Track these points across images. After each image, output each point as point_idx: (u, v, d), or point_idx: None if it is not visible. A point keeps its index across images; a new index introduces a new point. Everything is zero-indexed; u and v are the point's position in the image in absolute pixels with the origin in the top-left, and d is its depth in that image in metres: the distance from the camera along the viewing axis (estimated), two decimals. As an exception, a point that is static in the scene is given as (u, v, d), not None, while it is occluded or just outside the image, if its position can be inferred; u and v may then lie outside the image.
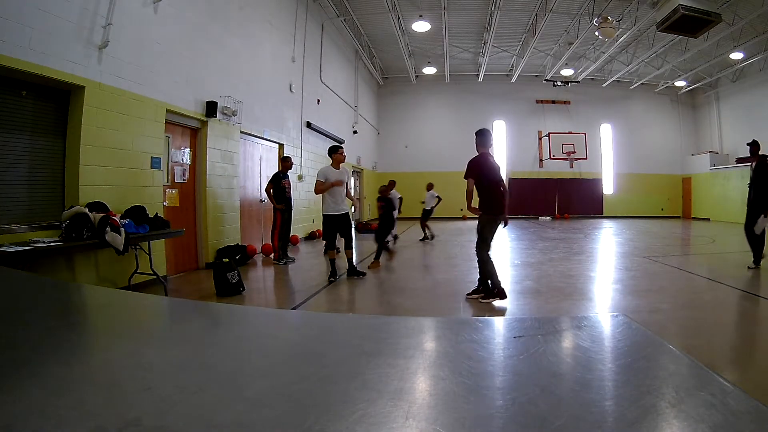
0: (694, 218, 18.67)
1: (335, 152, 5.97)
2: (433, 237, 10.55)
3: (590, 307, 4.55)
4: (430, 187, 10.90)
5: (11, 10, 3.74)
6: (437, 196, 10.60)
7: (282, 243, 7.32)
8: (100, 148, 4.71)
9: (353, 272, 5.90)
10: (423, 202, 10.71)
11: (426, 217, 10.63)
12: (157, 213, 5.19)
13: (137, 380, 0.66)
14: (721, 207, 16.92)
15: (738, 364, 2.93)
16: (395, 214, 8.08)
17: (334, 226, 5.87)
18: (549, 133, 19.27)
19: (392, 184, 8.69)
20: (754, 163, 6.41)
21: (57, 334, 0.87)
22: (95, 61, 4.62)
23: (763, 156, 6.31)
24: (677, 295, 4.83)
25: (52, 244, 3.70)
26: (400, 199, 9.58)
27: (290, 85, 10.04)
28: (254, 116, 8.17)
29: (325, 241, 6.07)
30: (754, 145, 6.53)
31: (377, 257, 6.90)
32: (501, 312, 4.25)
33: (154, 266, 4.89)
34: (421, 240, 10.41)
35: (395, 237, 9.68)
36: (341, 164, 6.02)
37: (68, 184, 4.51)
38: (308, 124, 10.96)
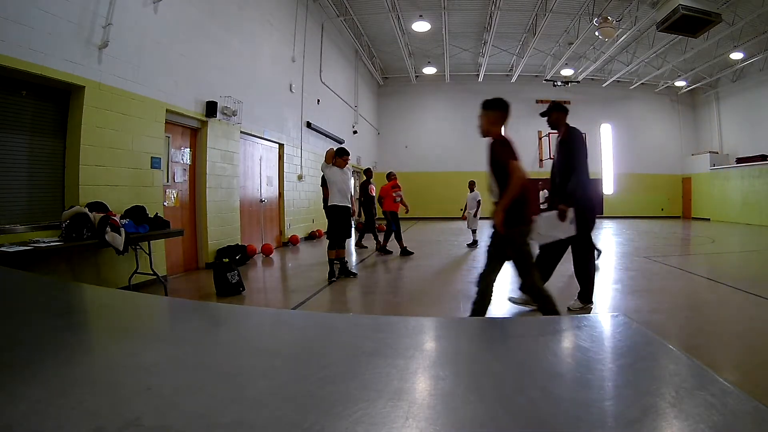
0: (694, 218, 18.67)
1: (342, 156, 5.95)
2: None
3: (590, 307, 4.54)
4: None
5: (11, 10, 3.74)
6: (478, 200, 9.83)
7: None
8: (100, 148, 4.71)
9: (345, 272, 5.90)
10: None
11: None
12: (157, 213, 5.19)
13: (137, 380, 0.66)
14: (721, 207, 16.92)
15: (738, 365, 2.93)
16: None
17: (340, 218, 5.84)
18: (549, 133, 19.22)
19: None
20: (558, 138, 4.25)
21: (57, 334, 0.87)
22: (95, 61, 4.62)
23: (572, 127, 4.17)
24: (677, 295, 4.83)
25: (52, 244, 3.70)
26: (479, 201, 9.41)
27: (290, 85, 10.04)
28: (254, 116, 8.17)
29: (328, 239, 6.01)
30: (554, 110, 4.18)
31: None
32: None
33: (154, 266, 4.89)
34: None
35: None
36: (344, 167, 6.03)
37: (68, 184, 4.51)
38: (308, 124, 10.96)
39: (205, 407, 0.57)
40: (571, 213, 3.81)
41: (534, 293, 3.17)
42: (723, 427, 0.51)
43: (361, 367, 0.71)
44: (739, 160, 16.16)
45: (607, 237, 12.07)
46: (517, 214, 3.02)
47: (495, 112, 3.26)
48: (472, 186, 9.85)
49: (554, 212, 3.87)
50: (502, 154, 3.08)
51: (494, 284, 3.17)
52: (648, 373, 0.69)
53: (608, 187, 20.19)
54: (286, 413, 0.56)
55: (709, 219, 17.58)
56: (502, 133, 3.22)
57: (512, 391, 0.63)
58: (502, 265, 3.17)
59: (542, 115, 4.26)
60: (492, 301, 3.19)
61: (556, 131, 4.28)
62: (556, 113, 4.15)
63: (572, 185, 3.88)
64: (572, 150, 4.02)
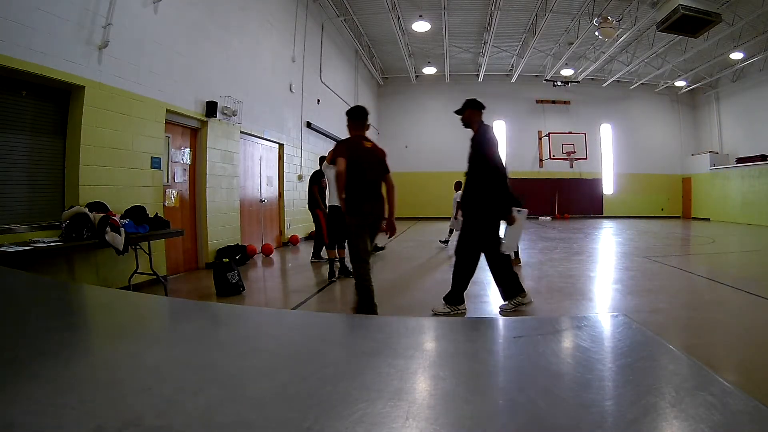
0: (694, 218, 18.67)
1: None
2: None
3: (590, 307, 4.55)
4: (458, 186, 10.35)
5: (12, 10, 3.74)
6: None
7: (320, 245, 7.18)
8: (100, 148, 4.71)
9: (345, 271, 5.90)
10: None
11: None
12: (157, 213, 5.19)
13: (137, 380, 0.66)
14: (721, 207, 16.92)
15: (738, 365, 2.93)
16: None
17: (341, 219, 5.83)
18: (549, 133, 19.26)
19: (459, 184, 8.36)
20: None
21: (57, 334, 0.87)
22: (95, 61, 4.62)
23: (485, 125, 3.97)
24: (677, 295, 4.83)
25: (52, 244, 3.70)
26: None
27: (290, 85, 10.04)
28: (254, 116, 8.17)
29: (327, 239, 6.03)
30: (467, 107, 3.99)
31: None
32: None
33: (154, 266, 4.88)
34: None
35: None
36: None
37: (68, 184, 4.51)
38: (308, 124, 10.96)
39: (205, 407, 0.57)
40: (514, 211, 3.92)
41: (355, 278, 3.66)
42: (723, 427, 0.51)
43: (361, 367, 0.71)
44: (739, 160, 16.16)
45: (607, 237, 12.08)
46: (349, 205, 3.57)
47: (348, 121, 3.79)
48: (457, 186, 9.56)
49: (508, 226, 3.98)
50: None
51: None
52: (648, 373, 0.69)
53: (608, 187, 20.19)
54: (286, 413, 0.56)
55: (709, 219, 17.59)
56: (361, 136, 3.75)
57: (512, 391, 0.63)
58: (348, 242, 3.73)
59: (456, 112, 4.07)
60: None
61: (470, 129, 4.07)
62: (468, 110, 3.99)
63: (495, 187, 3.80)
64: (482, 148, 3.86)
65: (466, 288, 3.97)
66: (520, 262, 6.81)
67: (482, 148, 3.84)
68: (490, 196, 3.79)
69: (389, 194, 3.77)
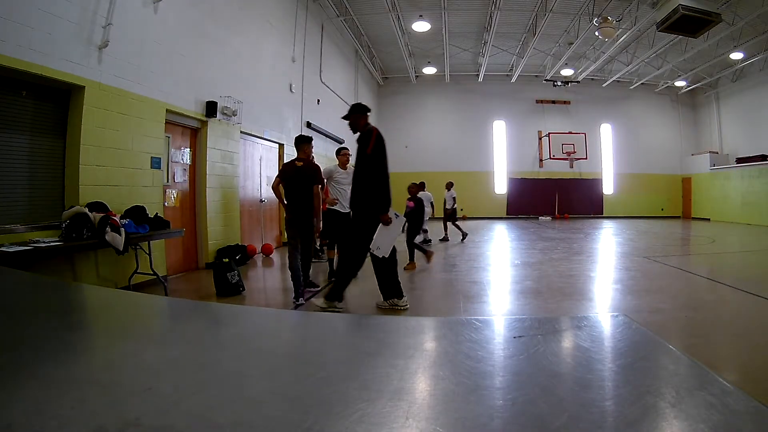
0: (694, 218, 18.67)
1: (338, 153, 6.00)
2: (465, 236, 10.68)
3: (590, 307, 4.55)
4: (449, 186, 11.02)
5: (11, 10, 3.74)
6: (454, 197, 10.89)
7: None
8: (100, 148, 4.71)
9: None
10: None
11: (449, 217, 10.83)
12: (157, 213, 5.19)
13: (137, 380, 0.66)
14: (721, 207, 16.92)
15: (738, 365, 2.93)
16: (428, 213, 8.39)
17: (336, 223, 5.84)
18: (549, 133, 19.25)
19: (422, 184, 8.24)
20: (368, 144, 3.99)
21: (57, 334, 0.87)
22: (95, 61, 4.62)
23: (369, 129, 4.02)
24: (677, 295, 4.83)
25: (52, 244, 3.70)
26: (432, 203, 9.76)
27: (290, 85, 10.04)
28: (254, 116, 8.16)
29: (326, 240, 6.04)
30: (352, 113, 4.09)
31: (411, 258, 6.73)
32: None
33: (154, 266, 4.88)
34: (441, 240, 10.56)
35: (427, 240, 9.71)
36: (347, 165, 6.04)
37: (68, 184, 4.51)
38: (308, 124, 10.96)
39: (205, 407, 0.57)
40: (391, 212, 3.98)
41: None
42: (723, 427, 0.51)
43: (361, 367, 0.71)
44: (739, 160, 16.16)
45: (607, 237, 12.08)
46: (286, 211, 4.76)
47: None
48: (422, 186, 9.61)
49: (380, 225, 3.97)
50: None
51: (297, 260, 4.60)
52: (648, 373, 0.69)
53: (608, 187, 20.19)
54: (286, 413, 0.56)
55: (709, 219, 17.59)
56: (296, 158, 4.83)
57: (512, 391, 0.63)
58: (302, 244, 4.72)
59: (343, 118, 4.22)
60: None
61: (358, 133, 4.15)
62: (353, 116, 4.11)
63: (375, 188, 3.96)
64: (365, 148, 3.98)
65: (347, 286, 4.10)
66: (414, 268, 6.58)
67: (366, 148, 3.97)
68: (372, 196, 3.95)
69: (314, 201, 4.69)
